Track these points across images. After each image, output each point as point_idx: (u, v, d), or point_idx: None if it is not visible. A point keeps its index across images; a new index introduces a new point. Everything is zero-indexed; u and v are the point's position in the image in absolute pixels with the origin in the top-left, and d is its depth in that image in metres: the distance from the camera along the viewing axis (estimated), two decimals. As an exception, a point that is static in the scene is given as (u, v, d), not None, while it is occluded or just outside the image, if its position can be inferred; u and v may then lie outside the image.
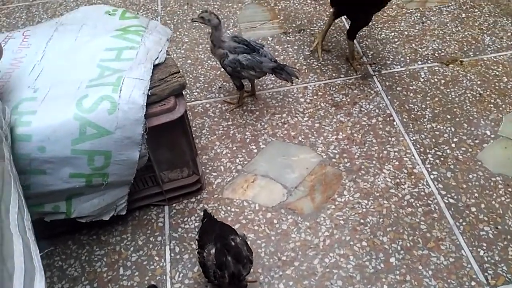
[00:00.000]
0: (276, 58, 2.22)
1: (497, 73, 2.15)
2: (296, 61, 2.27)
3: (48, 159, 1.27)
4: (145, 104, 1.33)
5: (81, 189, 1.39)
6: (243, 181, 1.78)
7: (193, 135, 1.69)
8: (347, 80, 2.17)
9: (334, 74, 2.20)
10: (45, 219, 1.43)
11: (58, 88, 1.35)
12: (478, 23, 2.44)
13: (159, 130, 1.42)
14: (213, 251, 1.22)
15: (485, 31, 2.38)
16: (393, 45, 2.34)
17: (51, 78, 1.39)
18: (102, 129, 1.29)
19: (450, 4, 2.57)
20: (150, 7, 2.70)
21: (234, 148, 1.90)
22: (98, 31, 1.55)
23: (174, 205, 1.72)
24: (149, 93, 1.37)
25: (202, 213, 1.68)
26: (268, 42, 2.39)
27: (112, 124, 1.30)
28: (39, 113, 1.27)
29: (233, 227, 1.47)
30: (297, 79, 1.97)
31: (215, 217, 1.50)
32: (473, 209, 1.64)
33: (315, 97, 2.09)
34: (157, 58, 1.45)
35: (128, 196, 1.53)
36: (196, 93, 2.15)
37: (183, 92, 1.50)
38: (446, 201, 1.67)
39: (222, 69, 1.95)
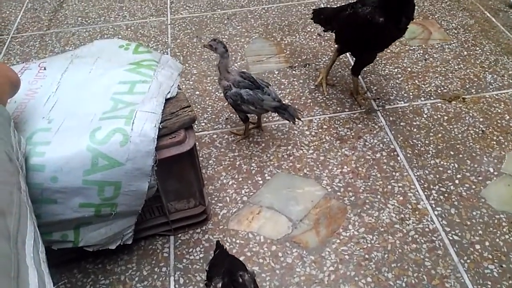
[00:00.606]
0: (282, 95, 2.27)
1: (499, 110, 2.19)
2: (301, 94, 2.32)
3: (59, 189, 1.29)
4: (156, 137, 1.37)
5: (89, 219, 1.40)
6: (249, 213, 1.79)
7: (200, 166, 1.72)
8: (352, 114, 2.21)
9: (338, 108, 2.24)
10: (53, 247, 1.44)
11: (72, 119, 1.39)
12: (479, 61, 2.50)
13: (169, 162, 1.45)
14: (219, 285, 1.22)
15: (486, 69, 2.44)
16: (397, 81, 2.39)
17: (65, 110, 1.43)
18: (114, 160, 1.32)
19: (452, 42, 2.64)
20: (160, 39, 2.78)
21: (240, 179, 1.92)
22: (112, 64, 1.59)
23: (179, 235, 1.72)
24: (160, 126, 1.40)
25: (207, 244, 1.69)
26: (275, 75, 2.45)
27: (123, 156, 1.32)
28: (53, 143, 1.31)
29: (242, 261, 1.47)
30: (299, 120, 2.01)
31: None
32: (477, 246, 1.64)
33: (320, 130, 2.13)
34: (169, 92, 1.49)
35: (134, 226, 1.55)
36: (203, 124, 2.19)
37: (191, 123, 1.54)
38: (451, 238, 1.67)
39: (230, 101, 1.99)
